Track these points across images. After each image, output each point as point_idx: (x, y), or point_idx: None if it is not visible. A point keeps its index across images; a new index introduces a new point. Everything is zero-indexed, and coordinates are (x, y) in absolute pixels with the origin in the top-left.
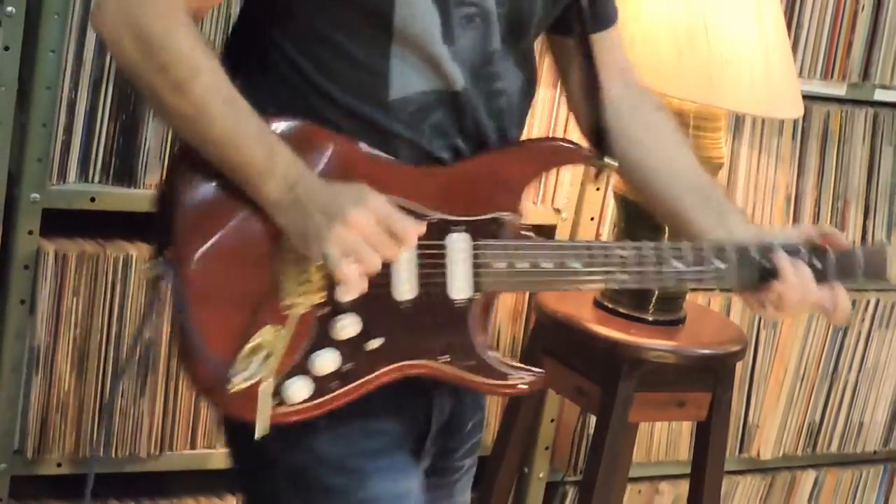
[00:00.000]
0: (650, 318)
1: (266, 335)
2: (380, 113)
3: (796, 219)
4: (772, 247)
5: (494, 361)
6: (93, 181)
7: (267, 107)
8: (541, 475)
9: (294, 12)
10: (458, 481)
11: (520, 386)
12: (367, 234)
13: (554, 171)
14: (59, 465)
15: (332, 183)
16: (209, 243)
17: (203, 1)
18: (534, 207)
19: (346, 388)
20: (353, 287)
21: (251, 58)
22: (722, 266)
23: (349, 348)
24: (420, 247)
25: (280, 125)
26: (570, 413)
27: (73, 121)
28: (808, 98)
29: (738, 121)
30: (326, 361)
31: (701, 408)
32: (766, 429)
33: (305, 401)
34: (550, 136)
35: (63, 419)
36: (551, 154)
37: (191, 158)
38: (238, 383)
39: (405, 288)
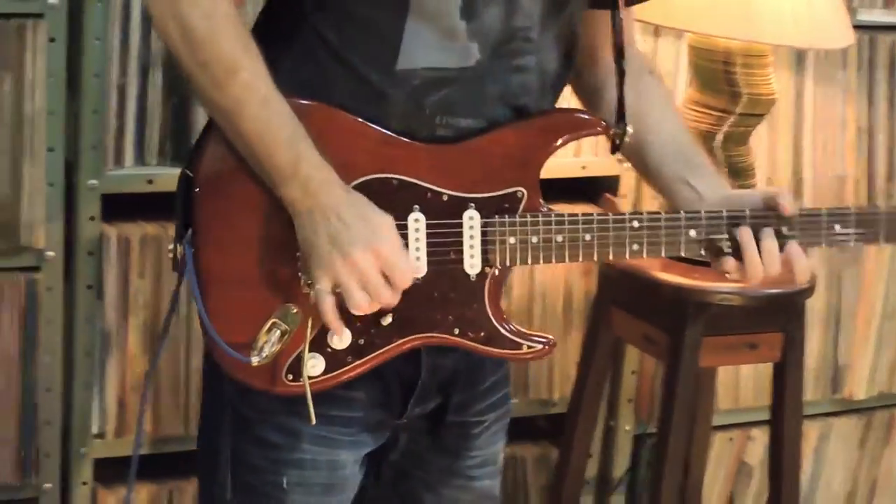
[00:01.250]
0: None
1: (282, 314)
2: (384, 80)
3: (871, 153)
4: (741, 219)
5: (508, 332)
6: (149, 164)
7: (289, 76)
8: (627, 428)
9: None
10: (479, 436)
11: (533, 354)
12: (363, 278)
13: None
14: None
15: (354, 202)
16: (228, 228)
17: None
18: (596, 159)
19: (360, 361)
20: (329, 322)
21: (280, 32)
22: (694, 234)
23: (363, 324)
24: (435, 225)
25: (299, 105)
26: (651, 364)
27: (124, 106)
28: (872, 28)
29: (799, 56)
30: (342, 338)
31: (774, 349)
32: (857, 368)
33: (319, 375)
34: (565, 107)
35: (140, 400)
36: (568, 126)
37: (214, 144)
38: (259, 360)
39: (419, 264)
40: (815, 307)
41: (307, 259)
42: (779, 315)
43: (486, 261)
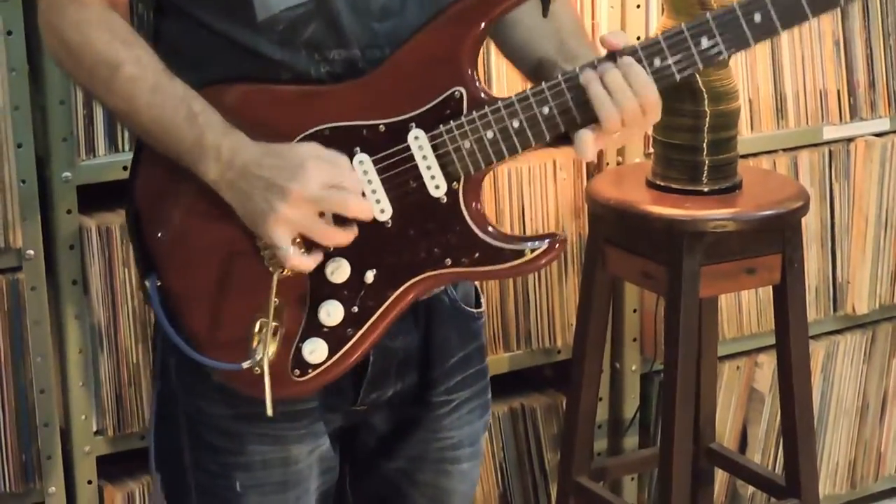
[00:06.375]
0: (705, 189)
1: (266, 310)
2: (251, 37)
3: (849, 62)
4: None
5: (503, 243)
6: (123, 150)
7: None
8: (633, 368)
9: None
10: (448, 416)
11: (540, 257)
12: (317, 203)
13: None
14: (142, 438)
15: (268, 150)
16: (182, 246)
17: None
18: None
19: (361, 331)
20: (305, 266)
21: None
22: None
23: (348, 290)
24: (382, 159)
25: (206, 91)
26: (651, 300)
27: None
28: None
29: None
30: (332, 312)
31: (773, 271)
32: (856, 283)
33: (325, 360)
34: None
35: (137, 393)
36: (483, 5)
37: (143, 168)
38: (251, 362)
39: (381, 206)
40: (809, 226)
41: (257, 228)
42: (775, 237)
43: (449, 176)
